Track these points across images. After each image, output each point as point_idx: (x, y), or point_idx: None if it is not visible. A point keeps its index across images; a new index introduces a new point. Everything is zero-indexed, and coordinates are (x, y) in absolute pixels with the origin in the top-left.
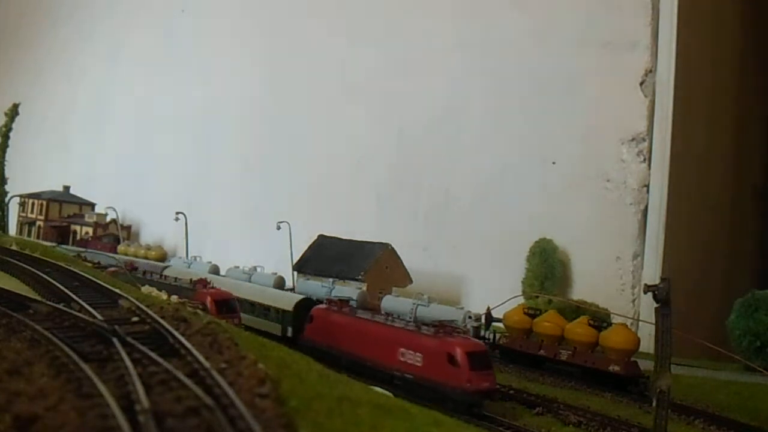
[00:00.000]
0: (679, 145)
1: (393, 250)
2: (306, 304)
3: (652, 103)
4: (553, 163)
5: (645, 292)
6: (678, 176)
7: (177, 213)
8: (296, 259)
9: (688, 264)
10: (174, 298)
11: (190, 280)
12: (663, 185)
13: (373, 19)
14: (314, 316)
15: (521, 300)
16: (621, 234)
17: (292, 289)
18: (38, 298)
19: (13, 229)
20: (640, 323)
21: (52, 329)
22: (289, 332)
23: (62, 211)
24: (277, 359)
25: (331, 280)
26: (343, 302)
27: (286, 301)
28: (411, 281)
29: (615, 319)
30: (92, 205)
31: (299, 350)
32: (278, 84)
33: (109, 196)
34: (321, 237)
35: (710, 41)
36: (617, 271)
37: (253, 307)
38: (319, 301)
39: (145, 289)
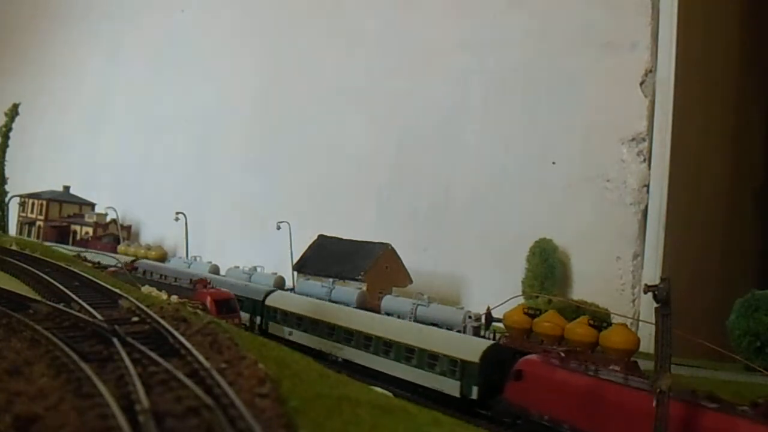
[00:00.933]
0: (679, 145)
1: (393, 250)
2: (499, 353)
3: (652, 103)
4: (553, 163)
5: (645, 292)
6: (678, 176)
7: (177, 213)
8: (296, 259)
9: (688, 264)
10: (174, 298)
11: (191, 280)
12: (663, 185)
13: (373, 18)
14: (525, 372)
15: (521, 300)
16: (621, 234)
17: (292, 289)
18: (38, 298)
19: (13, 229)
20: (640, 323)
21: (52, 329)
22: (474, 393)
23: (62, 211)
24: (277, 359)
25: (331, 280)
26: (570, 352)
27: (467, 348)
28: (411, 281)
29: (615, 319)
30: (92, 205)
31: (497, 423)
32: (278, 84)
33: (109, 196)
34: (321, 237)
35: (711, 41)
36: (617, 271)
37: (409, 354)
38: (522, 352)
39: (145, 289)
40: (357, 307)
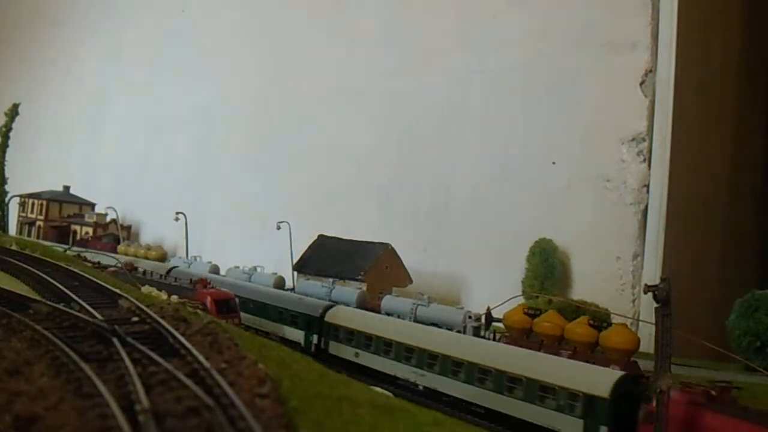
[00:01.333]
0: (679, 145)
1: (393, 250)
2: (631, 385)
3: (652, 103)
4: (553, 163)
5: (645, 292)
6: (678, 176)
7: (177, 213)
8: (296, 259)
9: (689, 264)
10: (174, 298)
11: (191, 280)
12: (663, 185)
13: (372, 18)
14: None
15: (521, 300)
16: (621, 234)
17: (292, 289)
18: (38, 298)
19: (13, 229)
20: (640, 323)
21: (52, 329)
22: None
23: (62, 211)
24: (277, 359)
25: (331, 280)
26: (724, 389)
27: (592, 380)
28: (411, 281)
29: (615, 319)
30: (92, 205)
31: None
32: (278, 84)
33: (109, 196)
34: (321, 237)
35: (711, 41)
36: (617, 271)
37: (513, 384)
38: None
39: (145, 289)
40: (357, 307)
